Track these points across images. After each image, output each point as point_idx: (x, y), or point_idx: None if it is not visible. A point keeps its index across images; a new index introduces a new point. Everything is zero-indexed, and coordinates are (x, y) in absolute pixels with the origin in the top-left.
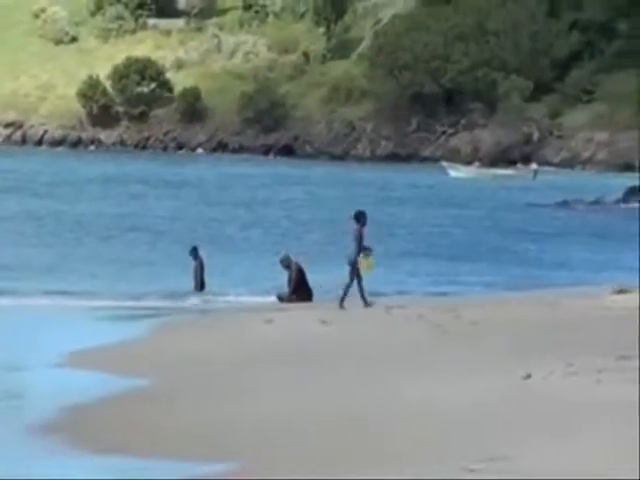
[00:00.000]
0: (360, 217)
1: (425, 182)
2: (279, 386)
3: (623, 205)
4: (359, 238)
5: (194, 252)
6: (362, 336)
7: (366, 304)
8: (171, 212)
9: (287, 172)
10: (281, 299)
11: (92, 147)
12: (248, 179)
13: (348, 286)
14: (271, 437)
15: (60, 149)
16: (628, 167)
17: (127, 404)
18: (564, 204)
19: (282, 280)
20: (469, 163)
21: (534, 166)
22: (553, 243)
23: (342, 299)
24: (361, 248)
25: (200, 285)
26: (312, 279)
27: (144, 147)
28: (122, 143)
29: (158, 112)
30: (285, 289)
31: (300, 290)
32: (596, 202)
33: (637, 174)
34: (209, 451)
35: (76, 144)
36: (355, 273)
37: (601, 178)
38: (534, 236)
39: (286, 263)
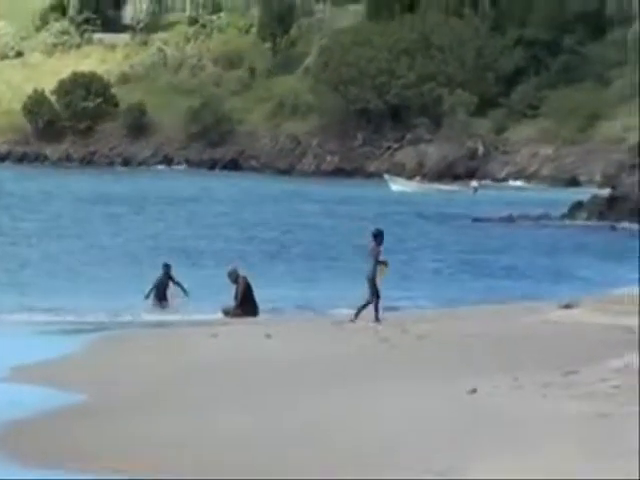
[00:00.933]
0: (378, 236)
1: (368, 196)
2: (218, 401)
3: (568, 221)
4: (376, 256)
5: (165, 267)
6: (307, 350)
7: (377, 320)
8: (114, 228)
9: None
10: (227, 313)
11: (37, 162)
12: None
13: (368, 302)
14: (212, 452)
15: (5, 164)
16: (573, 182)
17: (65, 419)
18: (509, 219)
19: (228, 295)
20: (414, 177)
21: (474, 183)
22: (497, 257)
23: (357, 314)
24: (377, 266)
25: (161, 298)
26: (257, 294)
27: (90, 162)
28: (68, 158)
29: (104, 127)
30: (231, 303)
31: (246, 305)
32: (542, 217)
33: (582, 189)
34: (147, 467)
35: (21, 159)
36: (374, 289)
37: (546, 193)
38: (478, 250)
39: (233, 277)
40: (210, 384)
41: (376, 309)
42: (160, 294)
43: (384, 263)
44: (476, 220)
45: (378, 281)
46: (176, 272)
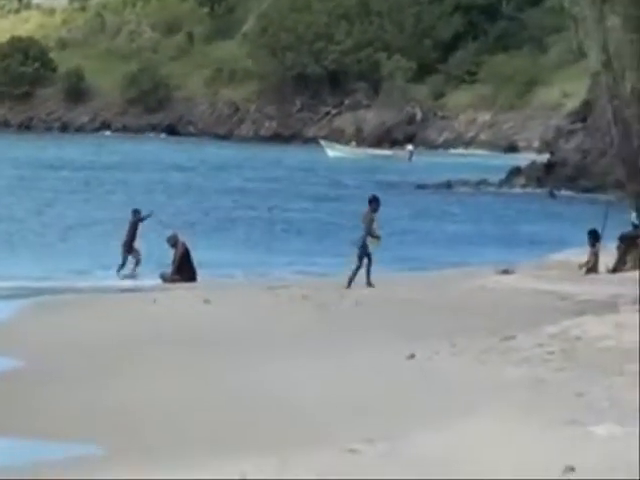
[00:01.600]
0: (373, 202)
1: (306, 160)
2: (157, 368)
3: (506, 187)
4: (369, 222)
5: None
6: (245, 316)
7: (369, 285)
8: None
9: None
10: (165, 279)
11: None
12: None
13: (358, 268)
14: (145, 419)
15: None
16: (511, 148)
17: (3, 385)
18: (447, 185)
19: (167, 260)
20: (357, 144)
21: (410, 147)
22: (436, 223)
23: (350, 281)
24: (369, 231)
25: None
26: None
27: (28, 127)
28: (6, 123)
29: (42, 92)
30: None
31: (184, 270)
32: (480, 183)
33: (520, 155)
34: (87, 432)
35: None
36: (364, 255)
37: (484, 159)
38: (417, 216)
39: (172, 242)
40: (149, 350)
41: (368, 273)
42: (127, 246)
43: (377, 237)
44: (418, 187)
45: (370, 248)
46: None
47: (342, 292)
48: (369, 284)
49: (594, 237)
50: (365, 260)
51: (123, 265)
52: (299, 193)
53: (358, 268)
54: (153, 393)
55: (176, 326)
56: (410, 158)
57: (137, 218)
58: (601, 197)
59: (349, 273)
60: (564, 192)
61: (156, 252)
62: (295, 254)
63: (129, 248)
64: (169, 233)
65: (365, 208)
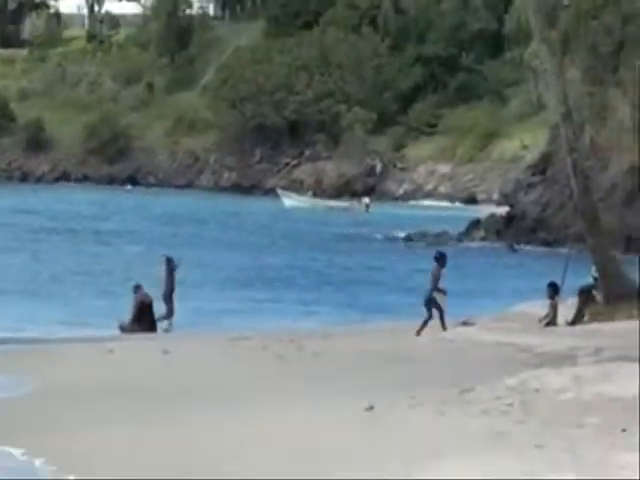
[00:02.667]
0: (440, 258)
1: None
2: (106, 417)
3: (466, 239)
4: (436, 277)
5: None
6: (202, 367)
7: (444, 329)
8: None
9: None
10: (123, 329)
11: None
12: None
13: (427, 320)
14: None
15: None
16: (470, 200)
17: None
18: (407, 238)
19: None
20: (315, 194)
21: (366, 199)
22: (395, 275)
23: (419, 330)
24: (436, 286)
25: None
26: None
27: None
28: None
29: (2, 142)
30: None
31: (143, 320)
32: (440, 235)
33: (479, 207)
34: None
35: None
36: (433, 306)
37: (443, 211)
38: (375, 267)
39: (135, 291)
40: (104, 399)
41: (442, 321)
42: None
43: (442, 291)
44: (377, 238)
45: (440, 303)
46: (80, 290)
47: (300, 343)
48: (444, 329)
49: (553, 290)
50: (436, 312)
51: (171, 314)
52: (254, 244)
53: (427, 320)
54: (101, 443)
55: (131, 376)
56: (367, 210)
57: (172, 267)
58: (561, 250)
59: (420, 324)
60: (524, 246)
61: (120, 301)
62: (254, 302)
63: (170, 297)
64: (133, 283)
65: (434, 264)
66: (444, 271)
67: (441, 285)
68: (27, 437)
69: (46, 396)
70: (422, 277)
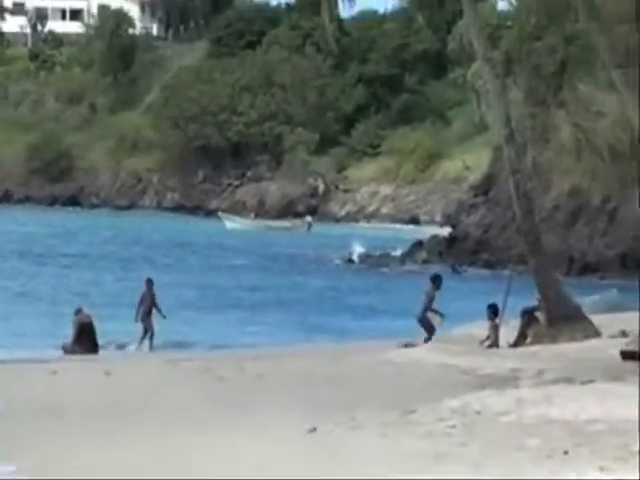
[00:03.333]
0: (436, 280)
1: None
2: (47, 438)
3: (408, 261)
4: (431, 297)
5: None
6: (144, 388)
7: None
8: None
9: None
10: (66, 350)
11: None
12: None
13: (428, 339)
14: None
15: None
16: (413, 221)
17: None
18: (349, 260)
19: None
20: (257, 215)
21: (308, 218)
22: (337, 295)
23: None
24: (430, 306)
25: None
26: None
27: None
28: None
29: None
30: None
31: (85, 342)
32: (382, 257)
33: (421, 228)
34: None
35: None
36: (428, 327)
37: (385, 232)
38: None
39: (82, 311)
40: (45, 420)
41: (425, 340)
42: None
43: (439, 313)
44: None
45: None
46: (21, 309)
47: (242, 365)
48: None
49: (493, 311)
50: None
51: (146, 333)
52: (194, 265)
53: (429, 339)
54: (42, 463)
55: (73, 397)
56: (308, 229)
57: (151, 287)
58: (504, 272)
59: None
60: (467, 268)
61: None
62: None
63: (149, 317)
64: (77, 306)
65: (429, 285)
66: (437, 293)
67: (435, 306)
68: None
69: None
70: (363, 298)
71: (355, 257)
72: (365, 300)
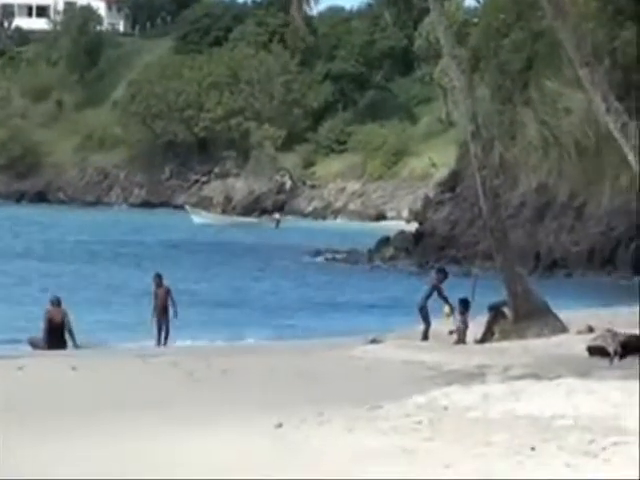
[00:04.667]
0: (440, 272)
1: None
2: (11, 434)
3: (376, 256)
4: (431, 287)
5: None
6: (110, 384)
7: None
8: None
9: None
10: (34, 345)
11: None
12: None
13: (425, 334)
14: None
15: None
16: (380, 217)
17: None
18: (316, 253)
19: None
20: (224, 211)
21: (277, 215)
22: (304, 291)
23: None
24: (430, 294)
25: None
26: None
27: None
28: None
29: None
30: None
31: (53, 337)
32: (350, 252)
33: (389, 223)
34: None
35: None
36: (426, 317)
37: (353, 227)
38: (287, 285)
39: (56, 304)
40: (6, 416)
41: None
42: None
43: (450, 307)
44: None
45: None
46: None
47: (209, 360)
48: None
49: (464, 305)
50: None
51: (165, 332)
52: (161, 260)
53: (428, 328)
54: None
55: (39, 393)
56: (277, 226)
57: (159, 283)
58: (470, 267)
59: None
60: (433, 264)
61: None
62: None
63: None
64: (53, 295)
65: (433, 275)
66: (442, 285)
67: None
68: None
69: None
70: (329, 294)
71: (322, 253)
72: (331, 296)
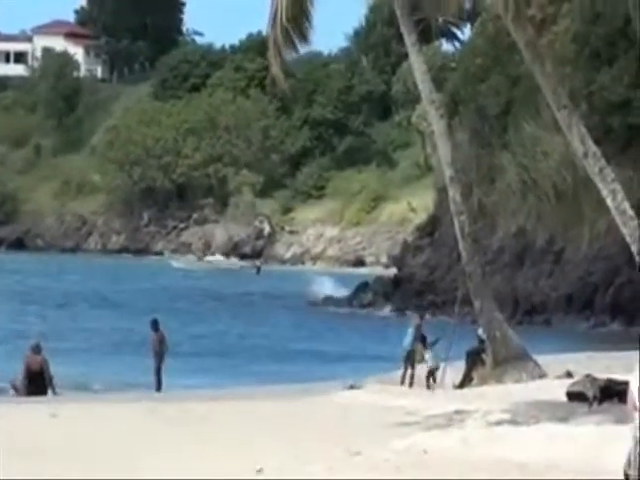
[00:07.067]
0: (419, 309)
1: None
2: None
3: (355, 302)
4: (415, 327)
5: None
6: (89, 430)
7: (410, 386)
8: None
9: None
10: (16, 389)
11: None
12: None
13: (404, 372)
14: None
15: None
16: (359, 263)
17: None
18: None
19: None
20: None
21: (258, 262)
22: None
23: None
24: (415, 339)
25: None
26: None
27: None
28: None
29: None
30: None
31: (33, 382)
32: (328, 299)
33: (367, 270)
34: None
35: None
36: (411, 360)
37: (332, 274)
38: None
39: (36, 351)
40: None
41: (405, 378)
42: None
43: (425, 345)
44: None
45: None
46: None
47: (188, 406)
48: (411, 385)
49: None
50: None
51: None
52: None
53: (405, 372)
54: None
55: (15, 439)
56: (258, 272)
57: (156, 329)
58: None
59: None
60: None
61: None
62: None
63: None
64: (33, 342)
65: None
66: (422, 324)
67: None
68: None
69: None
70: (308, 341)
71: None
72: (310, 343)
